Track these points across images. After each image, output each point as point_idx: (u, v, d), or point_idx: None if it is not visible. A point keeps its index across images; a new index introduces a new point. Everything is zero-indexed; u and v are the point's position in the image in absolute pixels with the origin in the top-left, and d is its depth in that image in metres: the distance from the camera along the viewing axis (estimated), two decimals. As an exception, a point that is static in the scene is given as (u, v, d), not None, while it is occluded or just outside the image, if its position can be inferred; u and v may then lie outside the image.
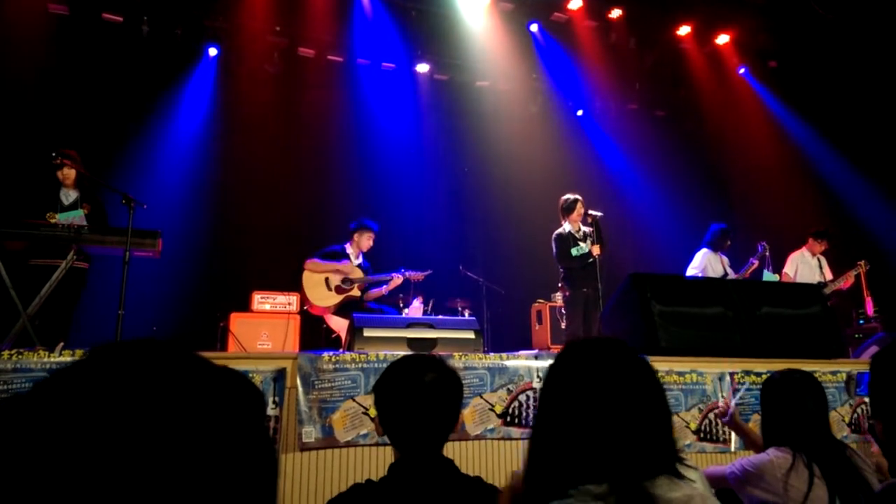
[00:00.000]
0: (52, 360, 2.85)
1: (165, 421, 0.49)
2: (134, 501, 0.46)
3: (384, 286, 5.89)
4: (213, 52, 8.13)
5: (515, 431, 3.26)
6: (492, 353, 3.50)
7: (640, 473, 1.13)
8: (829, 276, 6.80)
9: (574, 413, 1.19)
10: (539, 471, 1.20)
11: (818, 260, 6.88)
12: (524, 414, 3.31)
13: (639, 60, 9.59)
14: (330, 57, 8.66)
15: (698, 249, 6.69)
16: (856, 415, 3.96)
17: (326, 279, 5.77)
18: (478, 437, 3.18)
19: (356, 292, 5.79)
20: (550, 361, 1.32)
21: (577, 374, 1.23)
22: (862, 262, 6.70)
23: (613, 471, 1.12)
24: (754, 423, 3.62)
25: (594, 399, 1.18)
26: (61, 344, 3.12)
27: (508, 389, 3.32)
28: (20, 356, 2.83)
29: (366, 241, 6.01)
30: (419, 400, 1.61)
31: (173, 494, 0.47)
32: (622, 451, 1.14)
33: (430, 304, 6.90)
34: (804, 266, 6.85)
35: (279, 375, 2.98)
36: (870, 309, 6.83)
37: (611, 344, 1.27)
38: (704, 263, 6.50)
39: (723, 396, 3.67)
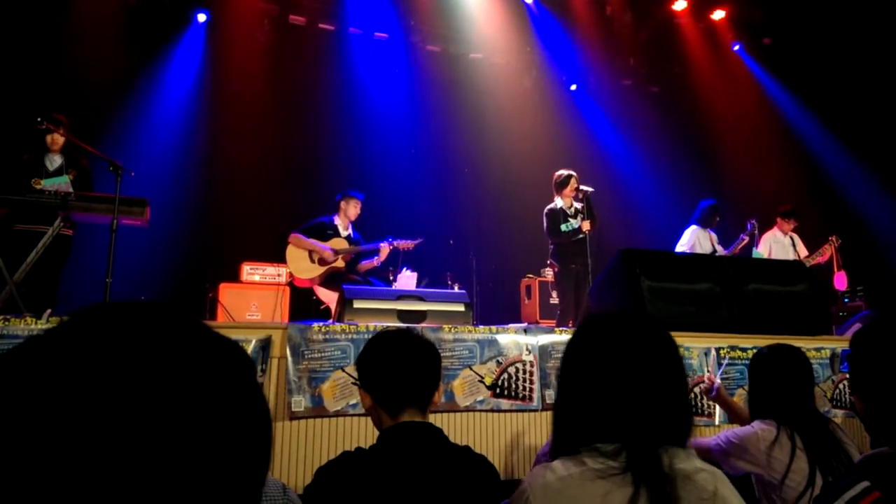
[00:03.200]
0: (39, 326, 2.83)
1: (153, 382, 0.47)
2: (120, 467, 0.44)
3: (375, 258, 5.87)
4: (202, 18, 7.98)
5: (505, 403, 3.29)
6: (481, 326, 3.52)
7: (654, 440, 1.16)
8: (803, 252, 6.83)
9: (592, 383, 1.24)
10: (561, 435, 1.26)
11: (791, 238, 6.91)
12: (514, 386, 3.34)
13: (633, 35, 9.52)
14: (321, 25, 8.53)
15: (687, 226, 6.71)
16: (838, 390, 4.03)
17: (310, 252, 5.75)
18: (468, 408, 3.20)
19: (340, 264, 5.76)
20: (549, 341, 1.39)
21: (596, 345, 1.28)
22: (833, 238, 6.74)
23: (628, 435, 1.16)
24: (738, 397, 3.68)
25: (612, 370, 1.23)
26: (49, 311, 3.10)
27: (498, 361, 3.34)
28: (7, 323, 2.81)
29: (353, 209, 5.96)
30: (402, 355, 1.72)
31: (165, 456, 0.46)
32: (639, 417, 1.18)
33: (424, 281, 6.86)
34: (777, 245, 6.88)
35: (266, 344, 2.99)
36: (840, 284, 6.84)
37: (632, 318, 1.33)
38: (693, 240, 6.53)
39: (707, 371, 3.71)
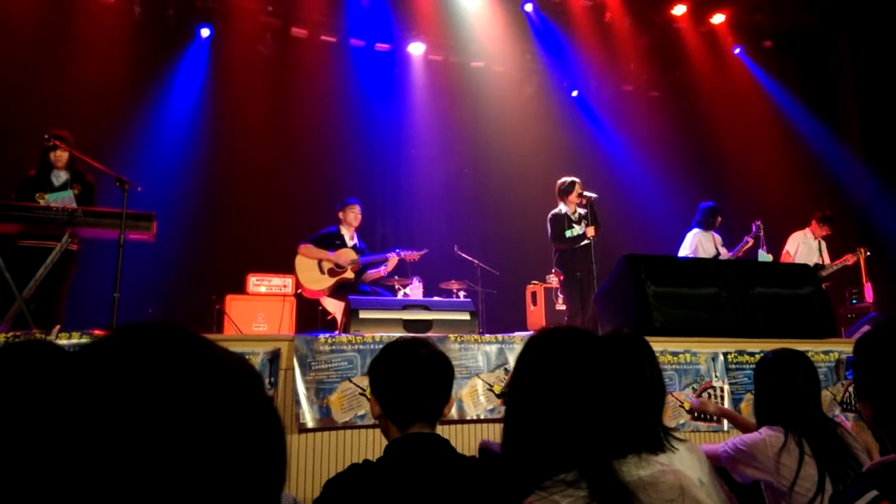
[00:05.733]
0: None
1: (174, 405, 0.50)
2: (150, 479, 0.46)
3: (383, 267, 5.88)
4: (205, 32, 8.05)
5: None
6: (487, 335, 3.52)
7: (607, 454, 1.16)
8: (827, 260, 6.87)
9: (537, 403, 1.23)
10: (515, 461, 1.24)
11: (819, 243, 6.95)
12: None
13: (634, 41, 9.53)
14: (323, 37, 8.58)
15: (689, 230, 6.71)
16: (847, 394, 4.00)
17: (319, 262, 5.76)
18: (477, 418, 3.20)
19: (349, 274, 5.78)
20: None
21: (537, 366, 1.28)
22: (862, 249, 6.79)
23: (579, 456, 1.15)
24: (747, 403, 3.66)
25: (554, 388, 1.22)
26: (58, 327, 3.11)
27: (506, 370, 3.34)
28: (17, 338, 2.83)
29: (352, 216, 5.97)
30: (416, 369, 1.70)
31: (190, 469, 0.48)
32: (585, 436, 1.17)
33: (422, 286, 6.87)
34: (805, 247, 6.93)
35: (274, 357, 3.00)
36: (869, 296, 6.93)
37: (569, 333, 1.32)
38: (696, 244, 6.53)
39: (716, 376, 3.70)
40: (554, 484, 1.14)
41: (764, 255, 6.56)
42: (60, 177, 4.80)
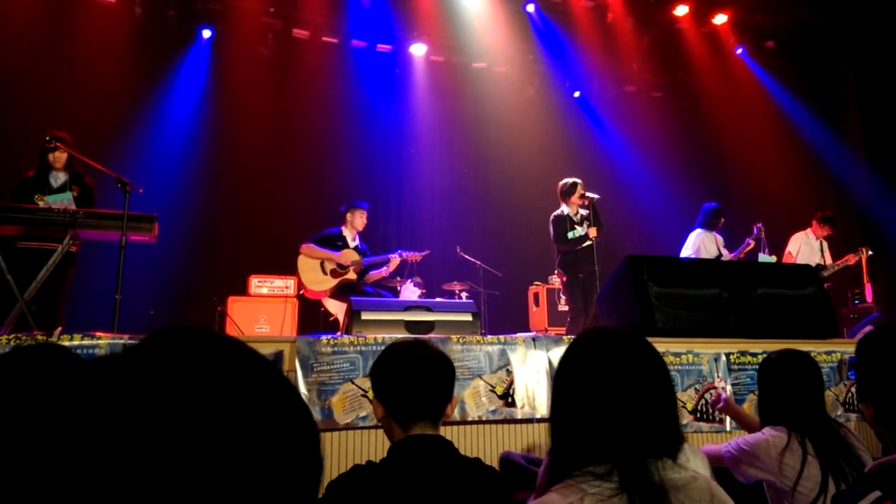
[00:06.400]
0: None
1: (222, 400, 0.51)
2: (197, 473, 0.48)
3: (385, 267, 5.88)
4: (206, 34, 8.06)
5: (518, 412, 3.28)
6: (489, 336, 3.52)
7: (643, 454, 1.17)
8: (829, 260, 6.86)
9: (582, 400, 1.26)
10: (558, 455, 1.28)
11: (820, 243, 6.95)
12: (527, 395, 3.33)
13: (636, 41, 9.53)
14: (325, 38, 8.59)
15: (692, 230, 6.71)
16: (850, 394, 4.00)
17: (322, 263, 5.76)
18: (480, 419, 3.19)
19: (352, 275, 5.78)
20: (558, 350, 1.41)
21: (584, 364, 1.30)
22: (864, 249, 6.78)
23: (617, 452, 1.17)
24: (749, 403, 3.66)
25: (600, 387, 1.24)
26: (59, 329, 3.12)
27: (507, 370, 3.33)
28: (19, 341, 2.83)
29: (359, 220, 5.97)
30: (417, 368, 1.73)
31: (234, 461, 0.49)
32: (626, 434, 1.19)
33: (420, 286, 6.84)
34: (806, 247, 6.93)
35: (277, 358, 3.00)
36: (870, 296, 6.93)
37: (618, 334, 1.34)
38: (698, 244, 6.53)
39: (717, 377, 3.70)
40: (583, 475, 1.17)
41: (765, 258, 6.56)
42: (59, 178, 4.79)
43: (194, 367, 0.53)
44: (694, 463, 1.83)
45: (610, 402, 1.22)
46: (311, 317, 6.28)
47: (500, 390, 3.28)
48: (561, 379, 1.34)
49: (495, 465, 1.82)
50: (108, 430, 0.47)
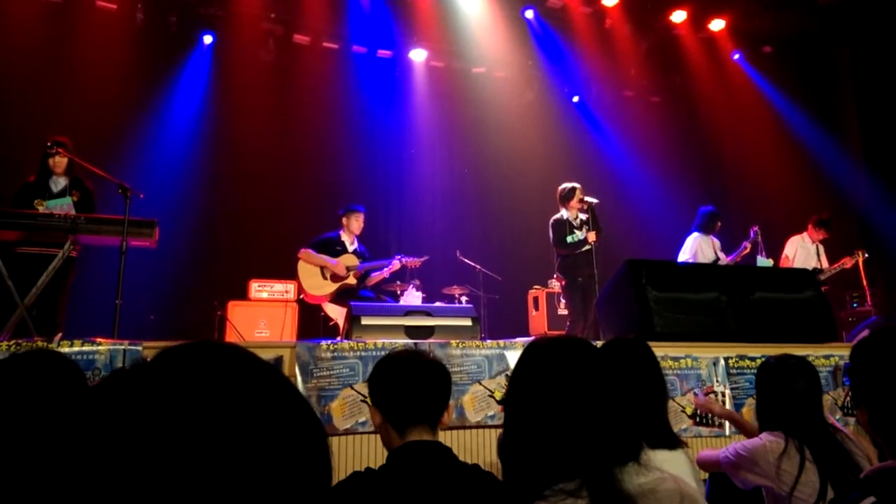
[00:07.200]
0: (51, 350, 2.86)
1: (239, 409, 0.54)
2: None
3: (385, 269, 5.88)
4: (208, 39, 8.08)
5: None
6: (489, 340, 3.53)
7: (608, 462, 1.16)
8: (825, 264, 6.86)
9: (536, 413, 1.23)
10: (514, 471, 1.24)
11: (817, 247, 6.95)
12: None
13: (634, 46, 9.56)
14: (325, 44, 8.61)
15: (688, 234, 6.72)
16: (848, 398, 4.01)
17: (322, 268, 5.77)
18: (478, 424, 3.20)
19: (352, 280, 5.79)
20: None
21: (535, 375, 1.28)
22: (859, 252, 6.79)
23: (582, 464, 1.15)
24: (748, 408, 3.66)
25: (554, 397, 1.22)
26: (59, 335, 3.13)
27: (506, 376, 3.34)
28: (19, 347, 2.84)
29: (355, 223, 5.97)
30: (413, 374, 1.76)
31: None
32: (587, 444, 1.17)
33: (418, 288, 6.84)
34: (802, 251, 6.92)
35: (277, 364, 3.00)
36: (870, 299, 6.95)
37: (565, 343, 1.33)
38: (695, 248, 6.53)
39: (717, 381, 3.71)
40: (554, 493, 1.14)
41: (762, 262, 6.57)
42: (59, 183, 4.79)
43: (206, 378, 0.54)
44: (684, 467, 1.84)
45: (563, 413, 1.20)
46: (312, 321, 6.28)
47: (498, 395, 3.29)
48: (514, 390, 1.31)
49: (494, 470, 1.83)
50: (109, 438, 0.48)
